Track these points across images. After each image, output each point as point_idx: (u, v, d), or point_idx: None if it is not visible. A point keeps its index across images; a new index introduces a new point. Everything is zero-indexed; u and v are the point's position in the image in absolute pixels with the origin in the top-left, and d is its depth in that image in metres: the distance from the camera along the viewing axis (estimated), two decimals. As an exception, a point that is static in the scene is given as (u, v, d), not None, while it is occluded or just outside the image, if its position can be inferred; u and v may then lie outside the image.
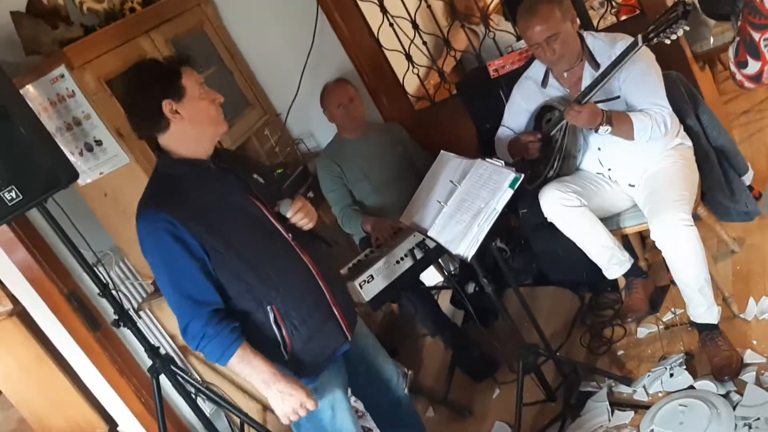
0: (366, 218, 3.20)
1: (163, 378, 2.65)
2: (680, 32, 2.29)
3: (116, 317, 2.61)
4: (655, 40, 2.34)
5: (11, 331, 3.79)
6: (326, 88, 3.38)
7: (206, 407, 3.09)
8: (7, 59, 2.83)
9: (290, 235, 2.02)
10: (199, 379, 3.23)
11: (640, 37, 2.36)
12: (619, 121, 2.43)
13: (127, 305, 2.71)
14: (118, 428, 3.78)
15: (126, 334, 2.77)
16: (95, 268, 2.66)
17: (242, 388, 3.25)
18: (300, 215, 2.03)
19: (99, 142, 2.79)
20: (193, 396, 2.77)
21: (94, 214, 3.04)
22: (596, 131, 2.43)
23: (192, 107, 1.96)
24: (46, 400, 3.98)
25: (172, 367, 2.67)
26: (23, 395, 4.16)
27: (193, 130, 1.99)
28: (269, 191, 2.08)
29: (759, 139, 3.58)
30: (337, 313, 2.07)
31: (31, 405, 4.14)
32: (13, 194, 2.31)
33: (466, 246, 2.27)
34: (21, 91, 2.54)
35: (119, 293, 2.69)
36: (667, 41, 2.33)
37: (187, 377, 2.73)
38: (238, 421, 3.08)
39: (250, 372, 1.92)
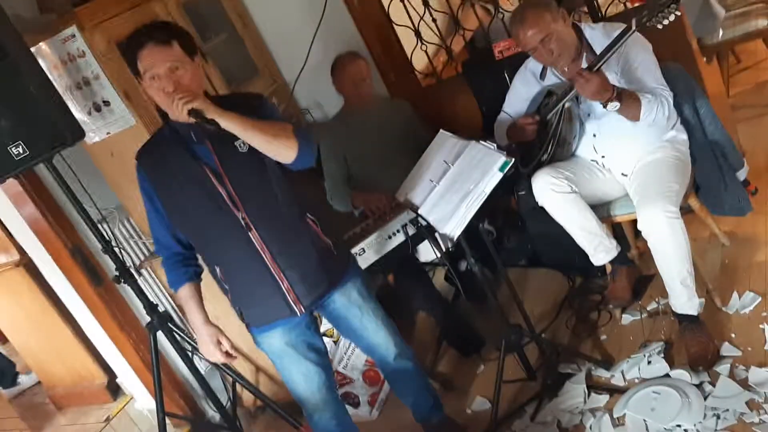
0: (356, 194, 3.20)
1: (162, 334, 2.75)
2: (672, 17, 2.30)
3: (117, 273, 2.71)
4: (648, 24, 2.35)
5: (18, 281, 3.91)
6: (340, 60, 3.35)
7: (201, 365, 3.18)
8: (21, 14, 2.88)
9: (241, 212, 2.07)
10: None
11: (634, 21, 2.36)
12: (629, 98, 2.38)
13: (128, 262, 2.80)
14: (117, 379, 3.91)
15: (127, 290, 2.84)
16: (99, 225, 2.75)
17: (237, 350, 3.34)
18: (178, 96, 1.95)
19: (107, 103, 2.84)
20: (189, 354, 2.87)
21: (101, 172, 3.11)
22: (605, 107, 2.40)
23: (147, 89, 2.07)
24: (50, 349, 4.11)
25: (170, 325, 2.77)
26: (28, 344, 4.30)
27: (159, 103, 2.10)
28: (246, 158, 2.07)
29: (762, 134, 3.59)
30: (284, 290, 2.14)
31: (35, 353, 4.29)
32: (20, 149, 2.40)
33: (452, 226, 2.32)
34: (33, 49, 2.58)
35: (122, 250, 2.78)
36: (659, 26, 2.33)
37: (183, 335, 2.83)
38: (231, 380, 3.19)
39: (186, 312, 2.26)
